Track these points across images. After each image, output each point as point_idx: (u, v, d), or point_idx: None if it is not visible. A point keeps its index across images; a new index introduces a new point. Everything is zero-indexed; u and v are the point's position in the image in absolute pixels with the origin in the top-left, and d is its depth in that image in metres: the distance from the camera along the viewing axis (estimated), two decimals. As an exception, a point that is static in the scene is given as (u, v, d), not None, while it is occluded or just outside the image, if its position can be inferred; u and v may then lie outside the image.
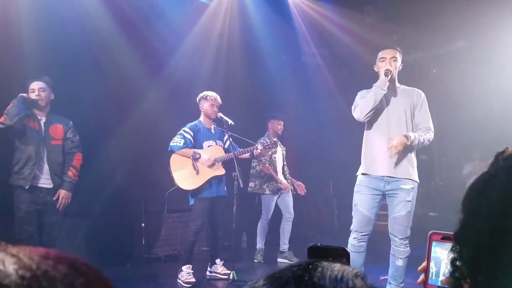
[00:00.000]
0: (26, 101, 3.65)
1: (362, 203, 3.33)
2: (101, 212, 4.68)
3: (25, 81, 3.85)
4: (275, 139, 5.15)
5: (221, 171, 4.31)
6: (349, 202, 3.48)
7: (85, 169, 4.03)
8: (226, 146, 4.45)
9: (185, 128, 4.31)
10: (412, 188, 3.29)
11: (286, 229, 5.22)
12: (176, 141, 4.23)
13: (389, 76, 3.30)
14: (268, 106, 6.17)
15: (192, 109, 4.57)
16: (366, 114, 3.32)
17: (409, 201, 3.26)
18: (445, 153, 7.64)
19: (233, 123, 4.36)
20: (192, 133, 4.29)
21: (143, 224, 5.08)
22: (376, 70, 3.45)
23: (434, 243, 0.89)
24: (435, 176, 7.66)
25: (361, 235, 3.31)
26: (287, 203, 5.25)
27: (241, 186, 4.17)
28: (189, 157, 4.21)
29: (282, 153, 5.38)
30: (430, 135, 3.35)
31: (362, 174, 3.39)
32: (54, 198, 3.75)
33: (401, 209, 3.25)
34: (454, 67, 6.31)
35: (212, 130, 4.45)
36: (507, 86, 5.65)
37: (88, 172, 4.23)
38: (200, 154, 4.22)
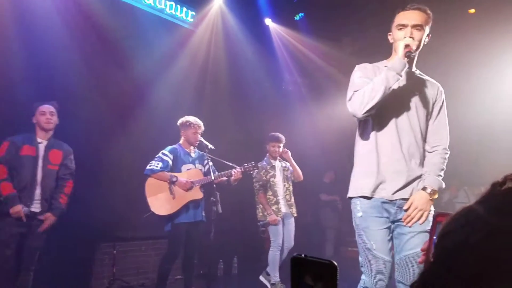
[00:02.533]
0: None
1: (378, 243, 2.18)
2: (70, 237, 4.48)
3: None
4: (274, 162, 5.00)
5: (198, 195, 4.19)
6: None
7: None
8: (205, 170, 4.35)
9: (164, 151, 4.21)
10: (431, 212, 2.22)
11: (278, 258, 4.84)
12: (153, 164, 4.11)
13: (411, 56, 2.24)
14: (251, 130, 6.16)
15: (174, 134, 4.50)
16: (370, 107, 2.17)
17: (428, 231, 2.13)
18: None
19: (213, 148, 4.30)
20: (171, 156, 4.19)
21: (114, 251, 4.86)
22: (391, 41, 2.38)
23: (438, 224, 0.87)
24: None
25: None
26: (289, 231, 4.92)
27: (220, 211, 4.03)
28: (166, 181, 4.09)
29: (284, 175, 5.09)
30: (446, 161, 2.32)
31: (364, 197, 2.25)
32: (42, 218, 3.58)
33: (419, 243, 2.15)
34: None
35: (192, 154, 4.37)
36: (483, 117, 5.80)
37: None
38: (177, 177, 4.10)
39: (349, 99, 2.27)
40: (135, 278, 5.08)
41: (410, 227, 2.19)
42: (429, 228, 1.88)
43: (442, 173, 2.28)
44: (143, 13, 5.77)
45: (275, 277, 4.76)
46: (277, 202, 4.92)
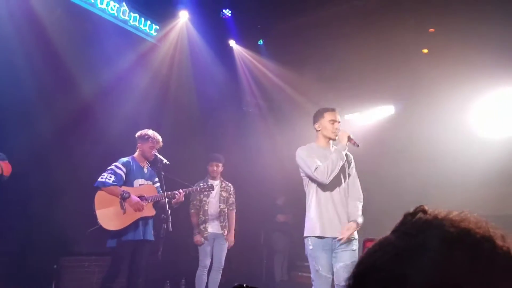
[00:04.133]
0: None
1: (324, 267, 3.20)
2: (14, 250, 4.23)
3: None
4: (211, 182, 4.98)
5: (150, 212, 4.09)
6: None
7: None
8: (157, 186, 4.27)
9: (117, 164, 4.09)
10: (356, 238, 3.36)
11: (214, 279, 4.91)
12: (106, 177, 3.97)
13: (356, 143, 3.36)
14: (208, 149, 6.14)
15: (127, 147, 4.41)
16: (331, 176, 3.24)
17: (354, 250, 3.28)
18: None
19: (168, 163, 4.24)
20: (124, 170, 4.08)
21: (55, 266, 4.61)
22: (319, 129, 3.46)
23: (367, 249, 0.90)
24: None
25: None
26: (220, 251, 4.97)
27: (170, 229, 3.94)
28: (117, 196, 3.96)
29: (221, 195, 5.12)
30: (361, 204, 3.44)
31: (316, 237, 3.26)
32: None
33: (348, 258, 3.23)
34: (380, 130, 6.71)
35: (145, 169, 4.28)
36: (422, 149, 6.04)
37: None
38: (129, 193, 3.98)
39: (315, 171, 3.27)
40: None
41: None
42: (355, 247, 3.27)
43: (360, 212, 3.35)
44: (106, 22, 5.69)
45: None
46: (205, 221, 4.98)
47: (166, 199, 4.05)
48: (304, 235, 3.34)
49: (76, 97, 5.16)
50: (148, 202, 4.09)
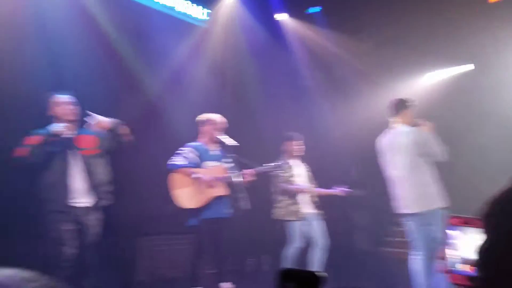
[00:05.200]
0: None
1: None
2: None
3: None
4: (289, 161, 5.00)
5: (224, 191, 4.29)
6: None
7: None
8: (228, 167, 4.42)
9: (186, 148, 4.34)
10: None
11: (319, 258, 4.79)
12: (177, 160, 4.24)
13: None
14: (274, 128, 6.17)
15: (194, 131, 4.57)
16: None
17: None
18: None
19: (236, 144, 4.36)
20: (194, 153, 4.30)
21: (148, 245, 5.01)
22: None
23: (454, 228, 0.87)
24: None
25: None
26: (318, 230, 4.87)
27: (247, 207, 4.12)
28: (189, 177, 4.19)
29: (306, 175, 5.10)
30: None
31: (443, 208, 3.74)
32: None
33: None
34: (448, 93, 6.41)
35: (215, 151, 4.47)
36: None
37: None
38: (200, 174, 4.20)
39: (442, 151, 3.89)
40: (169, 272, 5.16)
41: None
42: None
43: None
44: (157, 14, 5.82)
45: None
46: (297, 202, 4.89)
47: (239, 179, 4.24)
48: (429, 207, 3.75)
49: (140, 92, 5.41)
50: (220, 182, 4.28)
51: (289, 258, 4.78)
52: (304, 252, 4.88)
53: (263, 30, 6.60)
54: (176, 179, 4.23)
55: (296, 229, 4.84)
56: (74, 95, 3.88)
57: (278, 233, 5.14)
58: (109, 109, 4.97)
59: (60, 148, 3.62)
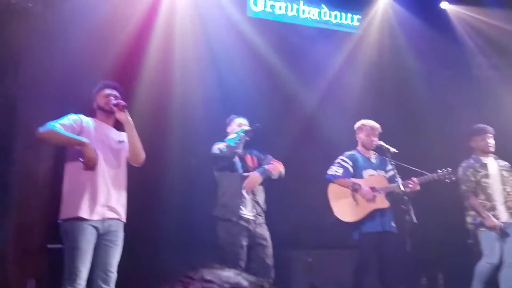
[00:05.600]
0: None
1: None
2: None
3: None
4: (485, 160, 4.41)
5: (384, 204, 4.11)
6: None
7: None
8: (389, 176, 4.23)
9: (342, 157, 4.29)
10: None
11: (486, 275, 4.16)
12: (334, 170, 4.21)
13: None
14: (444, 131, 5.68)
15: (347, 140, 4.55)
16: None
17: None
18: None
19: (396, 151, 4.13)
20: (350, 162, 4.24)
21: (310, 259, 5.01)
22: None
23: None
24: None
25: None
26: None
27: (415, 221, 3.78)
28: (348, 188, 4.11)
29: (502, 175, 4.38)
30: None
31: None
32: None
33: None
34: None
35: (372, 159, 4.34)
36: None
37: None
38: (360, 185, 4.10)
39: None
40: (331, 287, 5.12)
41: None
42: None
43: None
44: (309, 29, 5.96)
45: None
46: (493, 208, 4.25)
47: (401, 189, 3.95)
48: None
49: (300, 107, 5.59)
50: (380, 193, 4.06)
51: (481, 275, 4.19)
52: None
53: (423, 24, 6.15)
54: (334, 190, 4.20)
55: (492, 241, 4.21)
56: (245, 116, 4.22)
57: (469, 246, 4.62)
58: (272, 127, 5.30)
59: (236, 160, 3.89)
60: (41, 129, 2.95)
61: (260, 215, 3.87)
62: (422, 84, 6.17)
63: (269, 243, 3.83)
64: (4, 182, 4.37)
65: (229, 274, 0.65)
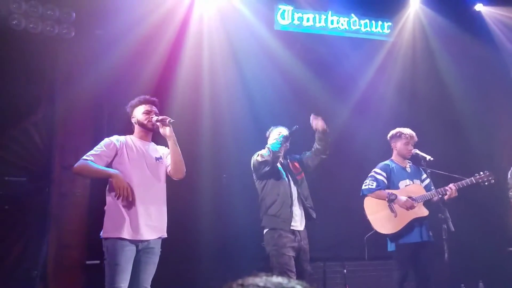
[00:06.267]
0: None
1: None
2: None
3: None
4: None
5: (423, 213, 4.03)
6: None
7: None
8: (425, 185, 4.16)
9: (376, 170, 4.26)
10: None
11: None
12: (368, 183, 4.17)
13: None
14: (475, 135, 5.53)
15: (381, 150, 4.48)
16: None
17: None
18: None
19: (431, 159, 4.05)
20: (384, 174, 4.20)
21: (344, 270, 4.98)
22: None
23: None
24: None
25: None
26: None
27: (452, 229, 3.72)
28: (384, 199, 4.06)
29: None
30: None
31: None
32: None
33: None
34: None
35: (408, 169, 4.28)
36: None
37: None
38: (396, 195, 4.05)
39: None
40: None
41: None
42: None
43: None
44: (338, 39, 5.96)
45: None
46: None
47: (439, 197, 3.94)
48: None
49: (332, 119, 5.58)
50: (418, 202, 4.02)
51: None
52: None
53: (457, 28, 6.02)
54: (370, 203, 4.16)
55: None
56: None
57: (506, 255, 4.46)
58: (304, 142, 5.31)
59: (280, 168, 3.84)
60: (76, 165, 3.03)
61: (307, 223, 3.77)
62: (458, 89, 6.03)
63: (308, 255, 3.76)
64: (44, 201, 4.60)
65: (281, 280, 0.64)
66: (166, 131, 3.14)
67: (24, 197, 4.56)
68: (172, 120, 3.15)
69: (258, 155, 3.79)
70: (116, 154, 3.09)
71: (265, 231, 3.71)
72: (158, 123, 3.14)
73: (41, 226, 4.54)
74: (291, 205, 3.67)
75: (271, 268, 3.58)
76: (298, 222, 3.69)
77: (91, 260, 4.39)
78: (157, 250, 3.11)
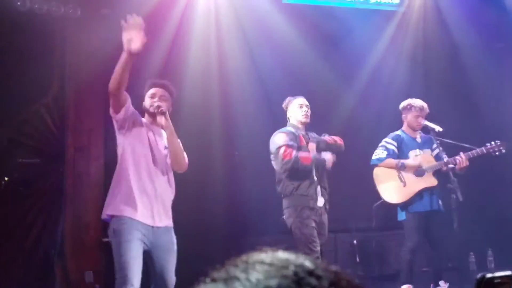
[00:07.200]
0: None
1: None
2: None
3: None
4: None
5: (433, 182, 4.13)
6: None
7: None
8: (435, 155, 4.24)
9: (386, 139, 4.32)
10: None
11: None
12: (378, 153, 4.25)
13: None
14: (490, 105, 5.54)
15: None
16: None
17: None
18: None
19: (440, 129, 4.11)
20: (395, 143, 4.28)
21: (355, 241, 5.10)
22: None
23: None
24: None
25: None
26: None
27: (461, 199, 3.83)
28: (394, 168, 4.15)
29: None
30: None
31: None
32: None
33: None
34: None
35: (418, 139, 4.36)
36: None
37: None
38: (403, 163, 4.13)
39: None
40: (379, 269, 5.22)
41: None
42: None
43: None
44: (348, 11, 5.94)
45: None
46: None
47: (449, 167, 3.99)
48: None
49: (343, 94, 5.63)
50: (427, 172, 4.12)
51: None
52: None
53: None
54: (380, 173, 4.25)
55: None
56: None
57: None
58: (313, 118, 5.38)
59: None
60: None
61: (327, 203, 3.85)
62: (472, 59, 5.99)
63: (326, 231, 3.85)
64: (59, 182, 4.76)
65: (289, 256, 0.60)
66: (161, 120, 2.97)
67: (39, 179, 4.74)
68: (164, 110, 2.96)
69: (283, 149, 3.66)
70: (134, 122, 2.96)
71: (285, 207, 3.75)
72: (155, 110, 2.98)
73: (57, 207, 4.71)
74: (316, 185, 3.74)
75: (293, 240, 3.68)
76: (318, 200, 3.76)
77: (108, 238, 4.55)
78: (172, 238, 3.04)
